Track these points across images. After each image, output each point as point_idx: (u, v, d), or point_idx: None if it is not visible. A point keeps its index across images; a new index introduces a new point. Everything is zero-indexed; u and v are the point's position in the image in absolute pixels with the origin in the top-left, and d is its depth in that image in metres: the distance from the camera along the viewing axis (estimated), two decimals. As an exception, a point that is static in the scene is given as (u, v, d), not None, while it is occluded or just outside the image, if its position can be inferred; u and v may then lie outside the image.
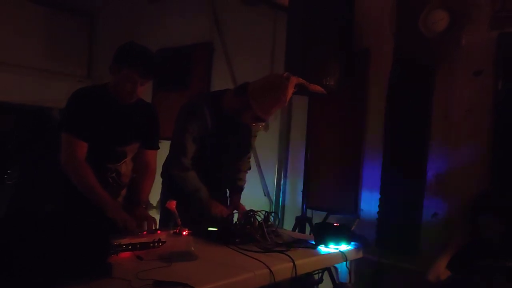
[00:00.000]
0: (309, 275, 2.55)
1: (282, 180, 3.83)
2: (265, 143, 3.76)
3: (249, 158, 2.81)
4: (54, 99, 4.18)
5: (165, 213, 2.46)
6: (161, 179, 2.66)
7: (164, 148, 2.79)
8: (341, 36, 3.07)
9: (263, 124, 2.51)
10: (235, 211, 2.57)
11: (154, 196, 3.83)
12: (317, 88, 2.49)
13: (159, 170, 2.58)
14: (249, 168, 2.81)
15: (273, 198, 3.85)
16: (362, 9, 3.20)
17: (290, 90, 2.27)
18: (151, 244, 1.87)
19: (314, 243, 2.29)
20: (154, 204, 4.32)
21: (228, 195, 2.75)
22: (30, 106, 4.62)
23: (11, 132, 4.48)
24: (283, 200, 3.82)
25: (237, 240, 2.14)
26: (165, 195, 2.58)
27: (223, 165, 2.59)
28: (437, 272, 2.48)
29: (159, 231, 2.11)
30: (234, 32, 4.23)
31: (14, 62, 4.55)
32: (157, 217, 2.33)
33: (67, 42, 5.00)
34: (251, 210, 2.36)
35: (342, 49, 3.08)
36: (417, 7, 2.95)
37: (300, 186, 3.51)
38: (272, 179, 3.87)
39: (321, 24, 2.99)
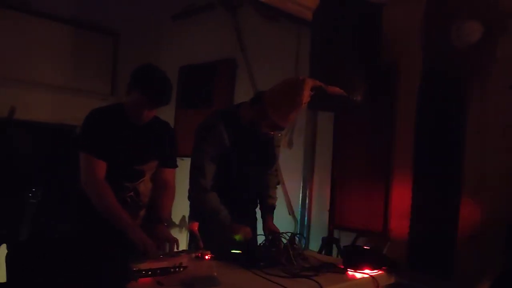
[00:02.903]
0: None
1: (307, 198, 3.71)
2: (289, 160, 3.68)
3: (276, 170, 2.71)
4: (78, 117, 4.21)
5: (191, 235, 2.39)
6: (182, 197, 2.59)
7: (188, 167, 2.73)
8: (368, 50, 2.97)
9: (283, 132, 2.40)
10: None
11: (176, 214, 3.75)
12: (336, 90, 2.36)
13: (179, 188, 2.51)
14: (278, 183, 2.70)
15: (298, 217, 3.74)
16: (390, 21, 3.09)
17: (306, 92, 2.17)
18: (172, 269, 1.80)
19: (343, 267, 2.18)
20: (177, 223, 4.27)
21: (261, 216, 2.64)
22: (54, 124, 4.66)
23: (36, 150, 4.52)
24: (309, 220, 3.70)
25: (261, 264, 2.04)
26: (193, 217, 2.51)
27: (249, 180, 2.49)
28: (476, 299, 2.33)
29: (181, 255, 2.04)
30: (257, 48, 4.19)
31: (39, 81, 4.61)
32: (179, 236, 2.25)
33: (91, 60, 5.05)
34: (276, 232, 2.26)
35: (369, 63, 2.98)
36: (448, 18, 2.84)
37: (326, 205, 3.39)
38: (297, 197, 3.76)
39: (347, 38, 2.91)
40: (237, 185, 2.43)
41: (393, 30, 3.15)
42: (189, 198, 2.56)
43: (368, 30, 2.97)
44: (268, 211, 2.60)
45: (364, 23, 2.96)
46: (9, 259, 1.52)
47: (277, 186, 2.70)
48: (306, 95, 2.18)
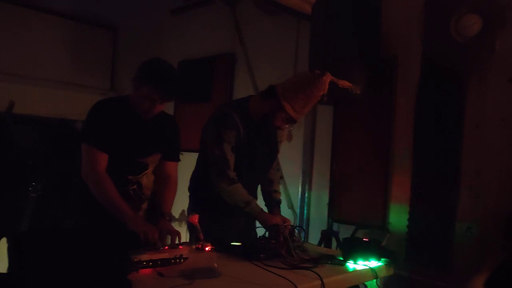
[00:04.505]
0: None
1: (306, 192, 3.73)
2: (288, 154, 3.67)
3: (278, 165, 2.72)
4: (77, 112, 4.23)
5: (190, 228, 2.39)
6: (183, 191, 2.60)
7: (187, 160, 2.73)
8: (367, 42, 2.97)
9: (292, 126, 2.41)
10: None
11: (176, 208, 3.76)
12: (346, 83, 2.37)
13: (179, 182, 2.52)
14: (281, 178, 2.71)
15: (297, 210, 3.75)
16: (389, 15, 3.10)
17: (327, 86, 2.19)
18: (173, 260, 1.81)
19: (342, 259, 2.19)
20: (177, 217, 4.28)
21: (267, 211, 2.63)
22: (54, 118, 4.68)
23: (36, 145, 4.53)
24: (308, 213, 3.71)
25: (261, 255, 2.05)
26: (192, 209, 2.51)
27: (254, 173, 2.49)
28: (473, 291, 2.34)
29: (180, 247, 2.05)
30: (256, 42, 4.19)
31: (39, 75, 4.62)
32: (179, 230, 2.26)
33: (90, 55, 5.07)
34: (276, 224, 2.27)
35: (368, 57, 2.99)
36: (447, 11, 2.84)
37: (325, 198, 3.40)
38: (296, 191, 3.77)
39: (346, 32, 2.91)
40: (243, 178, 2.41)
41: (392, 22, 3.15)
42: (189, 189, 2.56)
43: (367, 23, 2.97)
44: (275, 205, 2.61)
45: (363, 16, 2.96)
46: (10, 250, 1.53)
47: (280, 180, 2.70)
48: (326, 88, 2.19)
